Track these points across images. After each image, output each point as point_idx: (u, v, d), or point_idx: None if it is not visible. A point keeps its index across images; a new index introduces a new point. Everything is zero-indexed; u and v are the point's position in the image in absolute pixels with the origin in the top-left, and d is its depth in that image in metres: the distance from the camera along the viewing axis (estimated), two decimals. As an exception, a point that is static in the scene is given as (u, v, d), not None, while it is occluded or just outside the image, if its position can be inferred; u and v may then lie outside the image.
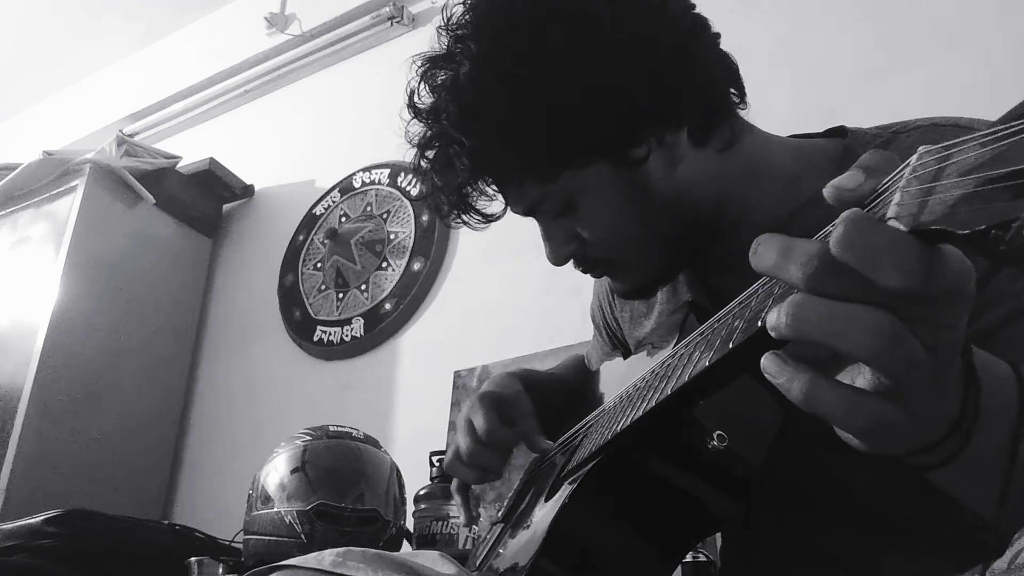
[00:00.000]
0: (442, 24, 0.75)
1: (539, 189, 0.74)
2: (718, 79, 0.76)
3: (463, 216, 0.80)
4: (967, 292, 0.36)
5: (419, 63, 0.76)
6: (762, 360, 0.40)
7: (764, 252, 0.38)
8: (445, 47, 0.74)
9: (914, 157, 0.33)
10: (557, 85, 0.69)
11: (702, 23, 0.76)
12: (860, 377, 0.39)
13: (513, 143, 0.71)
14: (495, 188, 0.78)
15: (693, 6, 0.76)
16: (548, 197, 0.75)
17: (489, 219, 0.80)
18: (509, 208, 0.80)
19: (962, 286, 0.36)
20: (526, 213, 0.79)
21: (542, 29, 0.70)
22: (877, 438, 0.40)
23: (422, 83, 0.75)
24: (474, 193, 0.78)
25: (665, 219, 0.75)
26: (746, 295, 0.47)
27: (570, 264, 0.82)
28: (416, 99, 0.76)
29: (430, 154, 0.77)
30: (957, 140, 0.31)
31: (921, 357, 0.36)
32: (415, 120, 0.76)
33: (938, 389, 0.39)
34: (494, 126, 0.71)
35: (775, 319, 0.38)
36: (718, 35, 0.77)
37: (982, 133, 0.29)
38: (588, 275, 0.84)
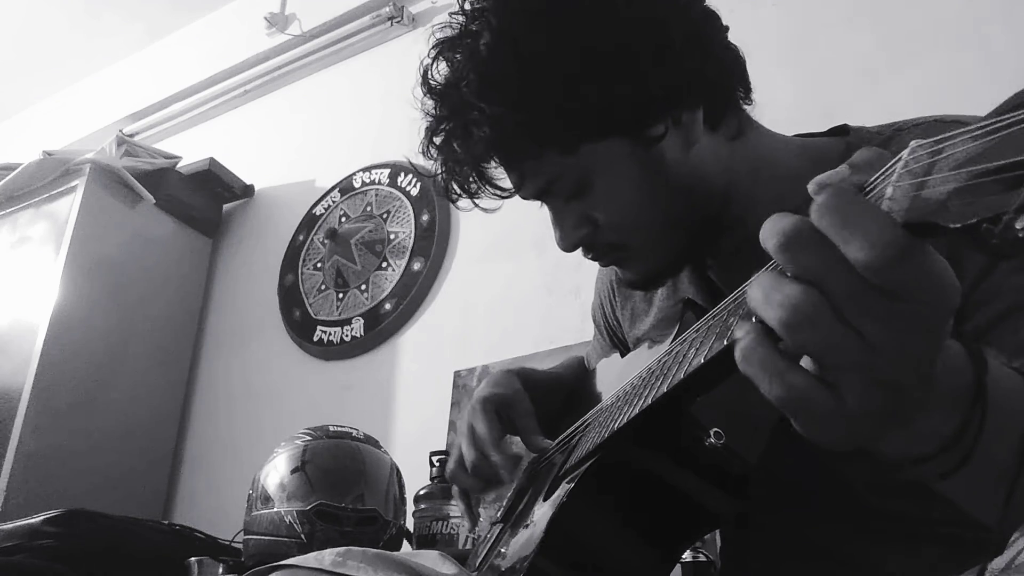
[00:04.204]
0: (455, 9, 0.75)
1: (557, 163, 0.73)
2: (727, 67, 0.76)
3: (475, 197, 0.79)
4: (945, 302, 0.36)
5: (435, 39, 0.76)
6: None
7: (766, 225, 0.38)
8: (459, 28, 0.74)
9: (906, 151, 0.33)
10: (577, 53, 0.69)
11: (713, 14, 0.77)
12: (805, 361, 0.40)
13: (534, 112, 0.70)
14: (511, 164, 0.77)
15: None
16: (564, 174, 0.74)
17: (503, 195, 0.79)
18: (519, 193, 0.79)
19: (940, 294, 0.35)
20: (538, 194, 0.77)
21: (562, 1, 0.71)
22: (805, 423, 0.40)
23: (436, 61, 0.75)
24: (490, 168, 0.77)
25: (678, 203, 0.75)
26: (741, 290, 0.47)
27: (570, 264, 0.82)
28: (430, 76, 0.75)
29: (444, 130, 0.76)
30: (949, 134, 0.31)
31: (849, 346, 0.36)
32: (429, 97, 0.76)
33: (893, 397, 0.38)
34: (515, 95, 0.70)
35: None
36: (727, 28, 0.77)
37: (973, 127, 0.29)
38: (597, 263, 0.83)
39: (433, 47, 0.76)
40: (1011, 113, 0.28)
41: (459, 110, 0.74)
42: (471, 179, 0.77)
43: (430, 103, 0.76)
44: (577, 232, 0.77)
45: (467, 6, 0.74)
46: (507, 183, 0.79)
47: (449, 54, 0.74)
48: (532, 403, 0.90)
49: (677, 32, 0.71)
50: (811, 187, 0.37)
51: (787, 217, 0.37)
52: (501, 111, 0.70)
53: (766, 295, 0.38)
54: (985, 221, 0.29)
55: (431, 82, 0.76)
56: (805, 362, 0.39)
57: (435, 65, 0.75)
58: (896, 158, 0.34)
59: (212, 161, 2.77)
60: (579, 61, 0.69)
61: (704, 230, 0.77)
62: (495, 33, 0.71)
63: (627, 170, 0.73)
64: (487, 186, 0.78)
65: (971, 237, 0.29)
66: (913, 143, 0.33)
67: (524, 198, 0.79)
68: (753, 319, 0.40)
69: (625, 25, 0.70)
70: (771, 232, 0.37)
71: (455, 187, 0.78)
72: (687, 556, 1.15)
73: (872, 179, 0.36)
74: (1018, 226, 0.28)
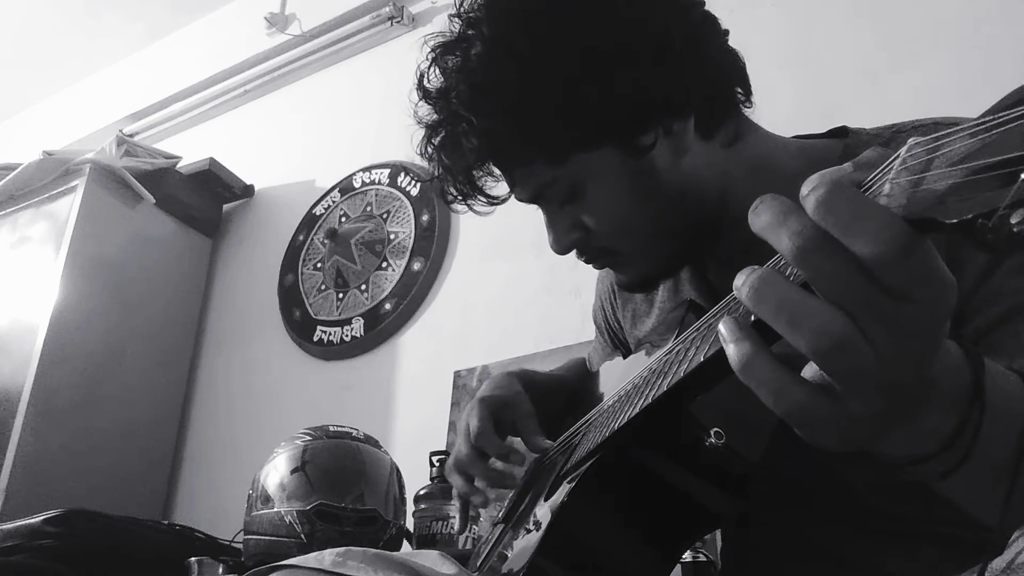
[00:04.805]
0: (453, 12, 0.75)
1: (547, 172, 0.74)
2: (726, 73, 0.76)
3: (469, 200, 0.79)
4: (944, 300, 0.36)
5: (430, 47, 0.76)
6: (720, 321, 0.41)
7: (763, 211, 0.37)
8: (456, 33, 0.74)
9: (904, 149, 0.34)
10: (568, 66, 0.69)
11: (712, 18, 0.77)
12: (810, 366, 0.39)
13: (523, 123, 0.71)
14: (502, 170, 0.78)
15: (703, 2, 0.77)
16: (555, 181, 0.74)
17: (495, 202, 0.80)
18: (514, 196, 0.79)
19: (940, 292, 0.35)
20: (531, 199, 0.78)
21: (555, 10, 0.70)
22: (807, 428, 0.40)
23: (432, 66, 0.75)
24: (482, 176, 0.78)
25: (670, 210, 0.75)
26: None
27: (570, 264, 0.82)
28: (426, 81, 0.76)
29: (439, 137, 0.77)
30: (946, 131, 0.31)
31: (868, 366, 0.36)
32: (424, 102, 0.76)
33: (894, 399, 0.38)
34: (505, 105, 0.70)
35: (740, 282, 0.38)
36: (727, 32, 0.77)
37: (970, 124, 0.30)
38: (590, 266, 0.84)
39: (430, 51, 0.76)
40: (1006, 111, 0.29)
41: (449, 120, 0.74)
42: (463, 186, 0.78)
43: (425, 108, 0.77)
44: (570, 236, 0.78)
45: (462, 11, 0.74)
46: (499, 190, 0.80)
47: (442, 61, 0.75)
48: (533, 404, 0.90)
49: (677, 34, 0.71)
50: (807, 184, 0.36)
51: (792, 214, 0.36)
52: (490, 122, 0.71)
53: (793, 319, 0.36)
54: (981, 216, 0.29)
55: (426, 87, 0.76)
56: (809, 369, 0.39)
57: (431, 70, 0.76)
58: (894, 156, 0.34)
59: (212, 161, 2.77)
60: (579, 61, 0.69)
61: (700, 234, 0.78)
62: (487, 42, 0.71)
63: (617, 179, 0.73)
64: (478, 194, 0.79)
65: (967, 232, 0.30)
66: (911, 141, 0.33)
67: (519, 200, 0.80)
68: (752, 318, 0.40)
69: (625, 25, 0.70)
70: (778, 232, 0.36)
71: (450, 191, 0.79)
72: (687, 556, 1.15)
73: (870, 176, 0.36)
74: (1013, 221, 0.28)
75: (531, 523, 0.75)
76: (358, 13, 2.77)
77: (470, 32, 0.73)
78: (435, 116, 0.76)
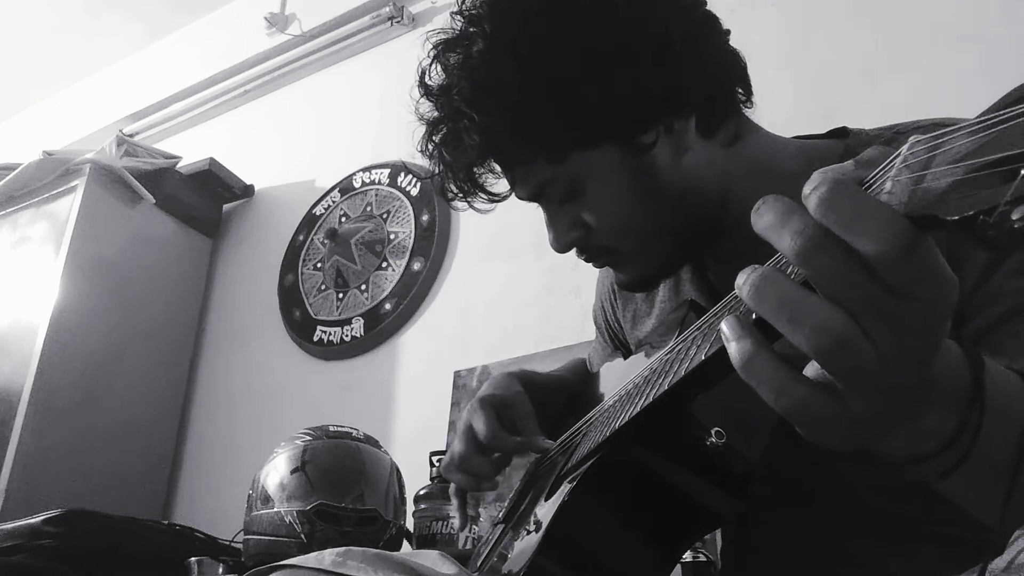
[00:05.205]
0: (455, 9, 0.75)
1: (548, 170, 0.74)
2: (727, 72, 0.76)
3: (469, 198, 0.79)
4: (945, 298, 0.36)
5: (432, 44, 0.76)
6: (722, 320, 0.41)
7: (765, 211, 0.38)
8: (458, 31, 0.75)
9: (905, 147, 0.34)
10: (568, 64, 0.69)
11: (713, 18, 0.77)
12: (811, 365, 0.40)
13: (524, 121, 0.71)
14: (503, 168, 0.78)
15: (704, 1, 0.77)
16: (556, 179, 0.74)
17: (496, 200, 0.80)
18: (515, 193, 0.80)
19: (941, 289, 0.35)
20: (532, 196, 0.78)
21: (556, 9, 0.71)
22: (808, 427, 0.40)
23: (434, 63, 0.75)
24: (483, 173, 0.78)
25: (670, 209, 0.75)
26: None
27: (570, 264, 0.82)
28: (427, 78, 0.76)
29: (440, 133, 0.77)
30: (947, 129, 0.31)
31: (869, 364, 0.36)
32: (425, 99, 0.76)
33: (896, 398, 0.39)
34: (506, 103, 0.70)
35: (741, 281, 0.38)
36: (728, 32, 0.77)
37: (972, 122, 0.30)
38: (591, 264, 0.84)
39: (432, 47, 0.76)
40: (1006, 109, 0.29)
41: (451, 116, 0.74)
42: (464, 183, 0.78)
43: (427, 104, 0.77)
44: (570, 234, 0.78)
45: (464, 8, 0.74)
46: (499, 187, 0.80)
47: (444, 58, 0.75)
48: (533, 405, 0.90)
49: (677, 33, 0.71)
50: (810, 182, 0.36)
51: (794, 213, 0.36)
52: (491, 119, 0.71)
53: (794, 317, 0.37)
54: (982, 213, 0.29)
55: (428, 84, 0.76)
56: (810, 367, 0.40)
57: (433, 67, 0.76)
58: (895, 154, 0.34)
59: (212, 161, 2.77)
60: (579, 60, 0.69)
61: (699, 234, 0.78)
62: (489, 39, 0.71)
63: (617, 178, 0.73)
64: (479, 191, 0.79)
65: (968, 230, 0.30)
66: (912, 139, 0.33)
67: (519, 198, 0.80)
68: (753, 316, 0.40)
69: (625, 25, 0.70)
70: (780, 231, 0.36)
71: (451, 188, 0.79)
72: (687, 556, 1.15)
73: (871, 175, 0.36)
74: (1014, 217, 0.28)
75: (531, 523, 0.75)
76: (358, 13, 2.77)
77: (472, 29, 0.73)
78: (436, 113, 0.76)
